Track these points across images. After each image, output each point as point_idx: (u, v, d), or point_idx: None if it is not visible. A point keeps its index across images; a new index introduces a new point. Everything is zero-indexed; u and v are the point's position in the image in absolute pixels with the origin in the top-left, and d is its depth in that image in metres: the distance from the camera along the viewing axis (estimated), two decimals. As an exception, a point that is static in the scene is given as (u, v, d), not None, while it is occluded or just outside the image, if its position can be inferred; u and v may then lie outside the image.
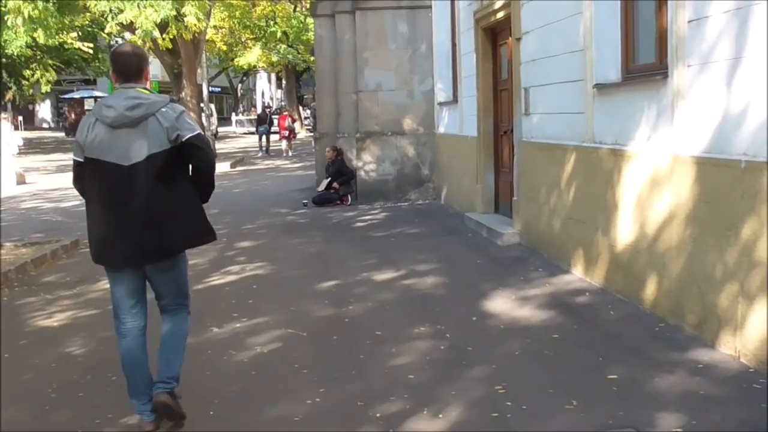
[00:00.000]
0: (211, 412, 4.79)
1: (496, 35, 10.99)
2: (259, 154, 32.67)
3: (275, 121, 39.05)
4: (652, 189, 6.13)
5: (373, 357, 5.63)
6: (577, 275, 7.64)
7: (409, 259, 9.08)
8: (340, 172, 14.67)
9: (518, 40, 9.33)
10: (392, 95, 14.75)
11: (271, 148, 33.75)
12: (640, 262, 6.38)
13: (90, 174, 4.35)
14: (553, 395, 4.71)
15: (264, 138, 33.80)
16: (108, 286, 4.84)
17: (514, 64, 9.54)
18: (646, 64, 6.82)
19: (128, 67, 4.43)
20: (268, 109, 44.25)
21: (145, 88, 4.44)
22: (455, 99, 13.17)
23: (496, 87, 11.07)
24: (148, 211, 4.28)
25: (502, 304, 6.86)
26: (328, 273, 8.56)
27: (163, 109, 4.32)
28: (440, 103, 14.28)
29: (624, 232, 6.65)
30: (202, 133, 4.55)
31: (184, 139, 4.31)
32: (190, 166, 4.45)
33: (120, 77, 4.41)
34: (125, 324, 4.56)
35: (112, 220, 4.31)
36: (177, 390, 4.60)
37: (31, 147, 27.22)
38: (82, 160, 4.38)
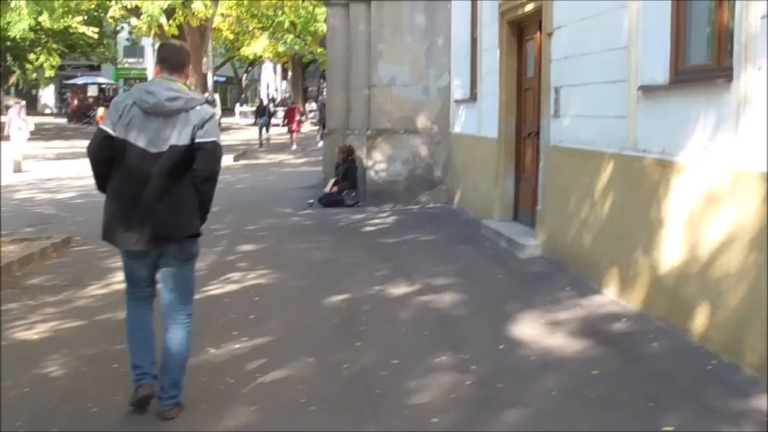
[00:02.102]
0: (204, 461, 4.11)
1: (522, 30, 10.27)
2: (262, 148, 31.91)
3: (277, 113, 38.40)
4: (707, 207, 5.42)
5: (390, 392, 4.93)
6: (610, 297, 6.94)
7: (423, 270, 8.38)
8: (346, 176, 13.93)
9: (549, 35, 8.62)
10: (406, 91, 13.98)
11: (271, 141, 33.00)
12: (688, 288, 5.67)
13: (118, 154, 4.46)
14: (604, 453, 4.02)
15: (264, 130, 33.05)
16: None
17: (544, 62, 8.83)
18: (699, 65, 6.14)
19: (174, 58, 4.64)
20: (272, 102, 43.54)
21: (186, 84, 4.65)
22: (474, 97, 12.45)
23: (520, 85, 10.36)
24: (158, 198, 4.42)
25: (530, 329, 6.16)
26: (336, 285, 7.86)
27: (198, 108, 4.47)
28: (457, 101, 13.55)
29: (670, 253, 5.94)
30: (218, 143, 4.58)
31: (196, 141, 4.42)
32: (193, 168, 4.50)
33: (164, 67, 4.61)
34: (136, 295, 4.77)
35: (127, 202, 4.47)
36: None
37: (31, 133, 26.48)
38: (113, 133, 4.45)
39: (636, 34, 6.58)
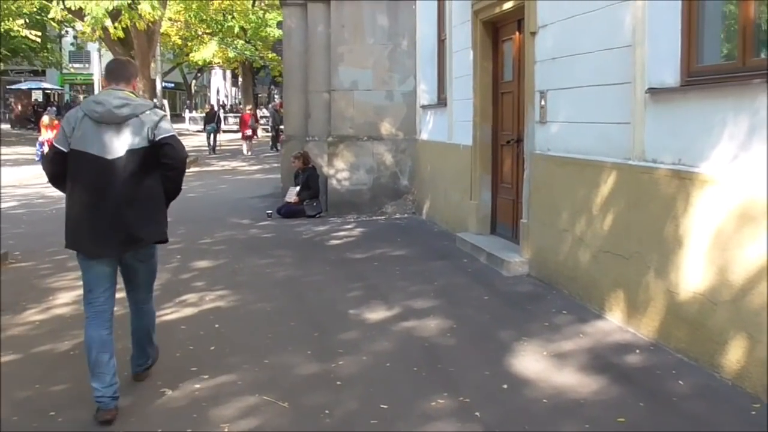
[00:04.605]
0: None
1: (498, 30, 9.58)
2: (210, 154, 30.98)
3: (227, 119, 37.62)
4: (741, 225, 4.75)
5: (383, 448, 4.17)
6: (615, 323, 6.24)
7: (400, 291, 7.62)
8: (307, 185, 13.10)
9: (533, 34, 7.92)
10: (369, 95, 13.22)
11: (221, 148, 32.13)
12: (717, 318, 4.98)
13: (74, 165, 4.64)
14: None
15: (212, 137, 32.13)
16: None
17: (527, 63, 8.13)
18: (717, 65, 5.48)
19: (120, 69, 4.92)
20: (223, 108, 42.52)
21: (133, 92, 4.87)
22: (442, 102, 11.71)
23: (497, 89, 9.66)
24: (122, 203, 4.62)
25: (533, 363, 5.42)
26: (305, 308, 7.08)
27: (147, 112, 4.72)
28: (423, 107, 12.82)
29: (691, 277, 5.26)
30: (177, 136, 4.82)
31: (158, 138, 4.67)
32: (162, 162, 4.73)
33: (111, 79, 4.85)
34: (96, 306, 4.75)
35: (90, 209, 4.63)
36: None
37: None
38: (65, 150, 4.66)
39: (642, 32, 5.90)
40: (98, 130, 4.62)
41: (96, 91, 44.58)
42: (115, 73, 4.88)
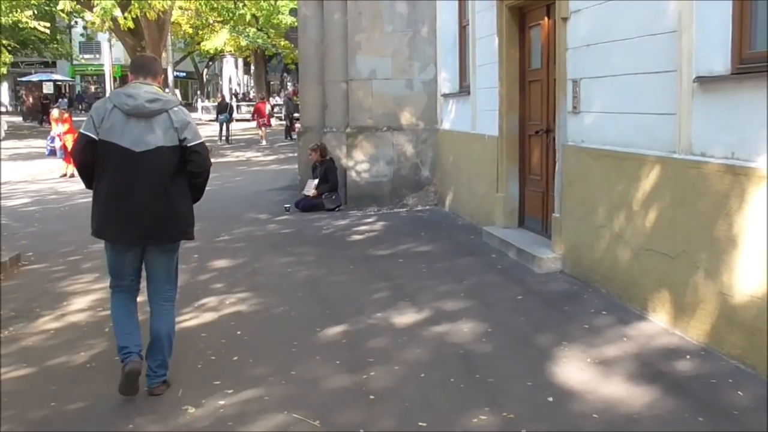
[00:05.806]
0: None
1: (524, 15, 9.20)
2: (224, 144, 30.75)
3: (240, 108, 37.51)
4: (804, 225, 4.40)
5: (426, 474, 3.85)
6: (660, 324, 5.90)
7: (429, 291, 7.29)
8: (325, 178, 12.76)
9: (565, 20, 7.56)
10: (388, 85, 12.83)
11: (233, 137, 31.97)
12: (779, 324, 4.64)
13: (102, 155, 4.76)
14: None
15: (224, 126, 31.88)
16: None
17: (558, 50, 7.76)
18: (773, 51, 5.10)
19: (148, 65, 5.04)
20: (235, 97, 42.28)
21: (160, 87, 4.97)
22: (465, 90, 11.35)
23: (524, 77, 9.28)
24: (150, 197, 4.74)
25: (577, 372, 5.09)
26: (330, 312, 6.75)
27: (175, 109, 4.84)
28: (445, 95, 12.45)
29: (748, 279, 4.90)
30: (205, 143, 4.95)
31: (189, 145, 4.81)
32: (188, 169, 4.88)
33: (139, 74, 4.96)
34: (122, 287, 5.01)
35: (116, 199, 4.76)
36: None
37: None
38: (95, 138, 4.76)
39: (689, 16, 5.53)
40: (127, 123, 4.72)
41: (107, 82, 44.47)
42: (143, 68, 5.00)
